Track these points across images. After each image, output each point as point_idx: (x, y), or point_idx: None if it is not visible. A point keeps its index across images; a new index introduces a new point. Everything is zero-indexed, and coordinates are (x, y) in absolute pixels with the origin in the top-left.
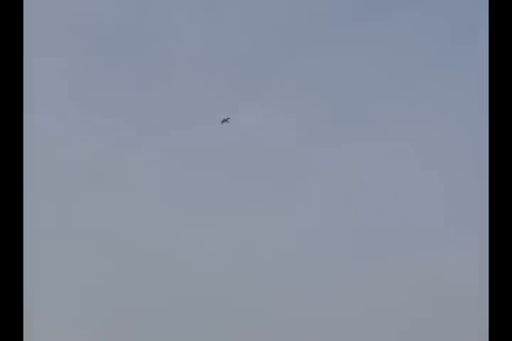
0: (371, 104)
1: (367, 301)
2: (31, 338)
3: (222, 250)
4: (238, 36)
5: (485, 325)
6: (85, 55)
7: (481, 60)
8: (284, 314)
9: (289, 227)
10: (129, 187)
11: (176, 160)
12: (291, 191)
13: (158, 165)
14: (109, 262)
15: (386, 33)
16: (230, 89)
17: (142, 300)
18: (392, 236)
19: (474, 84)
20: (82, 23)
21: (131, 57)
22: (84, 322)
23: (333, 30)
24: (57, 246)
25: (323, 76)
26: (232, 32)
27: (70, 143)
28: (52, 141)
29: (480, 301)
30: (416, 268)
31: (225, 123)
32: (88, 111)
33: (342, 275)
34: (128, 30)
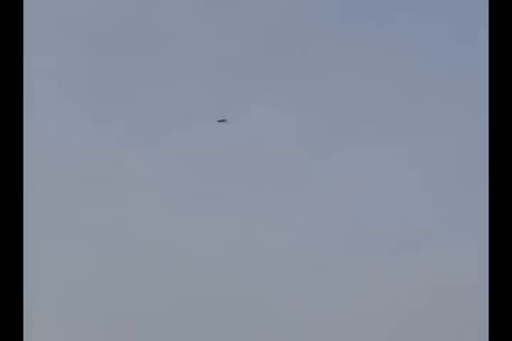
0: (371, 104)
1: (367, 301)
2: (31, 338)
3: (222, 250)
4: (238, 36)
5: (485, 325)
6: (85, 54)
7: (481, 60)
8: (283, 314)
9: (288, 227)
10: (129, 187)
11: (176, 160)
12: (291, 191)
13: (158, 165)
14: (109, 262)
15: (386, 33)
16: (230, 89)
17: (142, 300)
18: (392, 237)
19: (474, 84)
20: (82, 23)
21: (132, 57)
22: (85, 321)
23: (334, 30)
24: (57, 246)
25: (323, 76)
26: (232, 32)
27: (70, 143)
28: (52, 141)
29: (480, 301)
30: (416, 268)
31: (222, 122)
32: (88, 111)
33: (342, 276)
34: (128, 30)
